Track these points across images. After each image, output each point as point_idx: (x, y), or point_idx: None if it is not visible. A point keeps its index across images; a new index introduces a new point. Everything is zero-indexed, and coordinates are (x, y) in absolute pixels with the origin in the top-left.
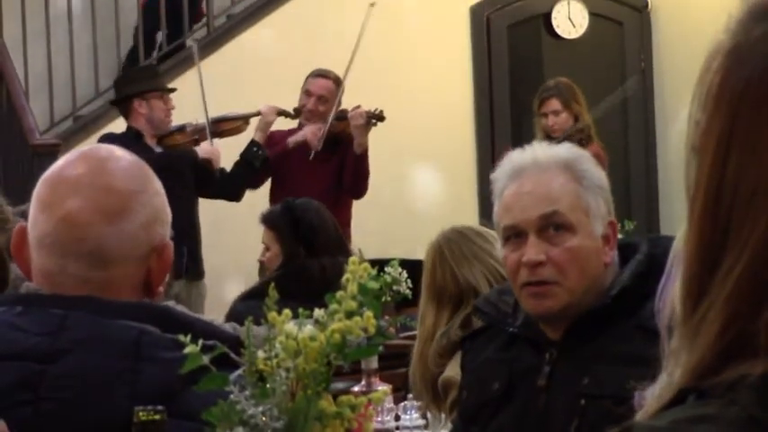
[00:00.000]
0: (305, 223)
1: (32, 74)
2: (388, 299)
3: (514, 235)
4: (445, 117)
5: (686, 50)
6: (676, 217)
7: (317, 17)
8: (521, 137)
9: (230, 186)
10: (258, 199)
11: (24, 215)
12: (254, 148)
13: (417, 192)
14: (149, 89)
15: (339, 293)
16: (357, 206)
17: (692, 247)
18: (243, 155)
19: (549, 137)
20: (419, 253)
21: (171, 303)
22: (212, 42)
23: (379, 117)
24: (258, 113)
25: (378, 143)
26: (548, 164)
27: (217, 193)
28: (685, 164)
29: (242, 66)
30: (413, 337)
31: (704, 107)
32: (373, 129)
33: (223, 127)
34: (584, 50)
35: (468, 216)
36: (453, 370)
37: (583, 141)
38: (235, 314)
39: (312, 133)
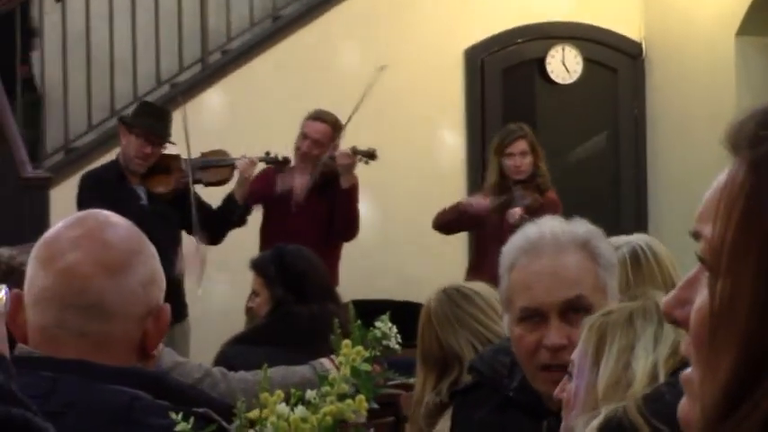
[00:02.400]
0: (294, 270)
1: None
2: (378, 353)
3: (532, 315)
4: (437, 159)
5: (679, 98)
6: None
7: (313, 55)
8: None
9: (209, 234)
10: (247, 238)
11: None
12: (232, 205)
13: (406, 233)
14: (131, 123)
15: (331, 376)
16: (346, 246)
17: (731, 364)
18: (222, 207)
19: (505, 178)
20: (408, 294)
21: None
22: (209, 77)
23: (369, 155)
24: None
25: (369, 184)
26: (566, 242)
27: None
28: (688, 280)
29: (240, 102)
30: (399, 386)
31: (729, 222)
32: (365, 169)
33: (208, 178)
34: (577, 96)
35: (456, 260)
36: (443, 425)
37: (541, 187)
38: (224, 359)
39: (300, 184)
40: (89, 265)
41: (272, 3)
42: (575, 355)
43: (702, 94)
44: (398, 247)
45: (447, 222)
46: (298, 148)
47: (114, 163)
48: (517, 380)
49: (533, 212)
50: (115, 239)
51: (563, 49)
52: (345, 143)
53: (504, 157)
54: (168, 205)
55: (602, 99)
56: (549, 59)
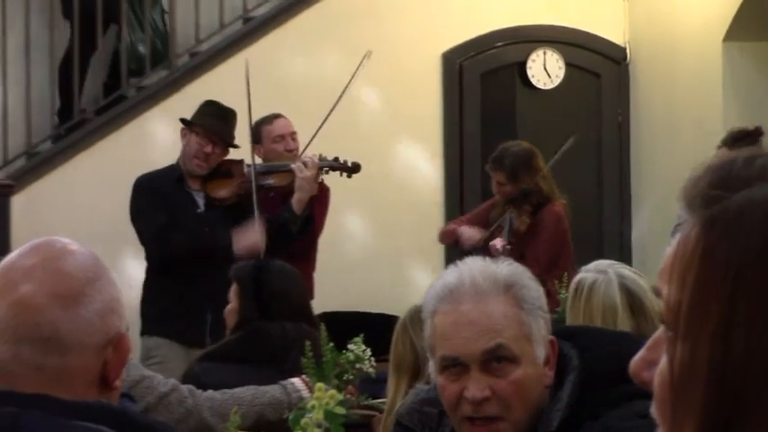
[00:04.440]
0: (268, 288)
1: None
2: (351, 377)
3: (453, 365)
4: (414, 166)
5: (664, 105)
6: (649, 270)
7: (286, 58)
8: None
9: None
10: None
11: None
12: (289, 215)
13: (381, 245)
14: (191, 121)
15: (303, 420)
16: (321, 257)
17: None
18: (277, 218)
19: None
20: (383, 306)
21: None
22: (174, 82)
23: (347, 168)
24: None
25: (343, 194)
26: (487, 288)
27: None
28: (655, 341)
29: None
30: (370, 407)
31: (684, 284)
32: (341, 179)
33: (272, 183)
34: (559, 102)
35: (433, 266)
36: None
37: (542, 201)
38: (192, 376)
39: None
40: (42, 297)
41: (243, 4)
42: None
43: (688, 101)
44: (373, 259)
45: (448, 245)
46: (283, 152)
47: (174, 166)
48: (448, 430)
49: (523, 235)
50: (70, 268)
51: (544, 53)
52: (319, 149)
53: (490, 173)
54: (227, 212)
55: (584, 105)
56: (529, 64)
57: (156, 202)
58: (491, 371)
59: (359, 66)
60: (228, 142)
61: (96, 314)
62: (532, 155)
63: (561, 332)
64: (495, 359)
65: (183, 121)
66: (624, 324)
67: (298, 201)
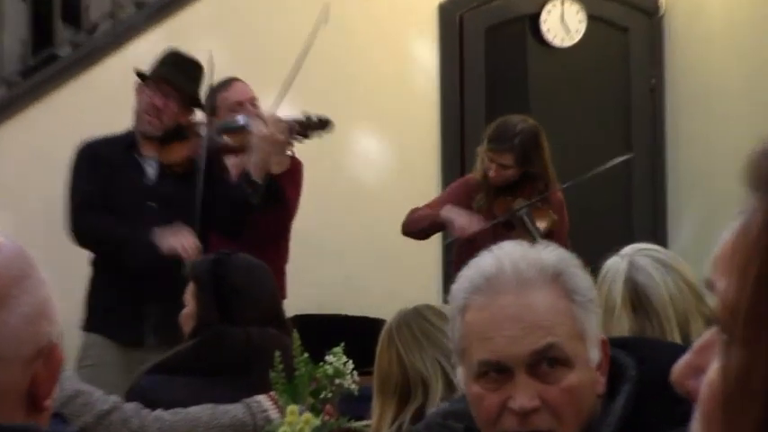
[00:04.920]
0: (227, 284)
1: None
2: (329, 395)
3: (494, 370)
4: (404, 139)
5: (706, 65)
6: (688, 257)
7: (248, 9)
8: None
9: (223, 223)
10: None
11: None
12: (247, 182)
13: (366, 234)
14: (146, 74)
15: None
16: (293, 251)
17: None
18: (237, 186)
19: (486, 176)
20: (365, 309)
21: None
22: (117, 38)
23: (314, 125)
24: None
25: (320, 169)
26: (532, 276)
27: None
28: (704, 344)
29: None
30: (353, 431)
31: (744, 280)
32: (314, 150)
33: (225, 141)
34: (579, 62)
35: (427, 259)
36: None
37: (546, 189)
38: (138, 391)
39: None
40: None
41: None
42: None
43: (735, 60)
44: (355, 252)
45: (421, 231)
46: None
47: (128, 132)
48: None
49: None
50: None
51: (562, 4)
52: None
53: (486, 155)
54: (184, 182)
55: (609, 65)
56: (544, 16)
57: (92, 170)
58: (539, 376)
59: (316, 25)
60: (187, 95)
61: (24, 320)
62: (539, 132)
63: (615, 341)
64: (547, 362)
65: (138, 73)
66: (622, 322)
67: (254, 164)
